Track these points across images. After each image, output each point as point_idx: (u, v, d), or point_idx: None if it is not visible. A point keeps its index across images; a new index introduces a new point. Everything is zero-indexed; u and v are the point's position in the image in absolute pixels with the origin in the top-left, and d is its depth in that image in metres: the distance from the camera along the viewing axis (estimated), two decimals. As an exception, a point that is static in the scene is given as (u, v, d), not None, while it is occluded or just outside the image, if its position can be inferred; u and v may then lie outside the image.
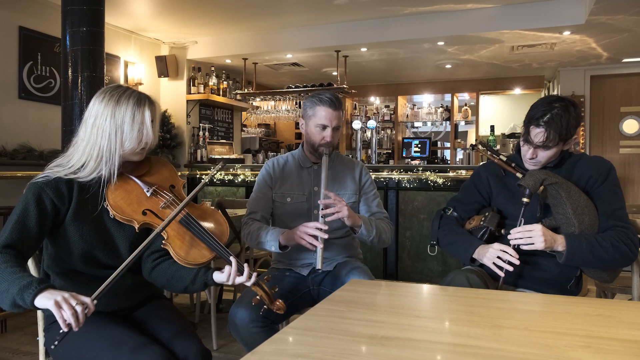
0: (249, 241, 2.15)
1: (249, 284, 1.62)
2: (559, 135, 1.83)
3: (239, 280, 1.60)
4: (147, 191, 1.68)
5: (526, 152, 1.93)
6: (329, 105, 2.18)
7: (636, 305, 1.55)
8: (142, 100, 1.62)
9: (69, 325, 1.30)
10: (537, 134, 1.85)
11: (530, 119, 1.88)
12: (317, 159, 2.28)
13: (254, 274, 1.63)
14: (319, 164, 2.28)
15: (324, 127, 2.18)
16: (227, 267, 1.60)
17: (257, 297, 1.68)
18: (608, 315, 1.33)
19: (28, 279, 1.37)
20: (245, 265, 1.62)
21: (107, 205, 1.62)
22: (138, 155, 1.67)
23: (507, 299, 1.57)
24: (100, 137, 1.58)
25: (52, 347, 1.38)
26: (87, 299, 1.36)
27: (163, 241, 1.60)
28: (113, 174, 1.62)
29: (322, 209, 2.00)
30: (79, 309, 1.32)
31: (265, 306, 1.70)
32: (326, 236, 1.95)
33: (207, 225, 1.68)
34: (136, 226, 1.62)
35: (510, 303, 1.53)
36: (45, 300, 1.33)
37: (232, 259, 1.60)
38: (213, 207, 1.78)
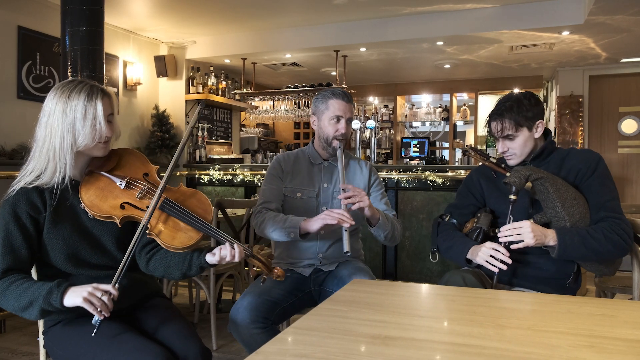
0: (261, 229, 2.11)
1: (237, 258, 1.59)
2: (514, 122, 1.92)
3: (231, 255, 1.59)
4: (121, 184, 1.65)
5: (498, 147, 2.01)
6: (342, 97, 2.22)
7: (638, 305, 1.55)
8: (94, 93, 1.56)
9: (101, 313, 1.42)
10: (494, 126, 1.97)
11: (489, 116, 2.01)
12: (329, 156, 2.29)
13: (241, 247, 1.62)
14: (329, 160, 2.30)
15: (339, 119, 2.21)
16: (217, 247, 1.60)
17: (255, 268, 1.68)
18: (611, 315, 1.33)
19: (46, 286, 1.45)
20: (227, 243, 1.61)
21: (84, 206, 1.59)
22: (101, 150, 1.62)
23: (509, 298, 1.57)
24: (53, 137, 1.54)
25: (93, 334, 1.45)
26: (108, 287, 1.45)
27: (147, 231, 1.58)
28: (67, 175, 1.56)
29: (344, 199, 1.98)
30: (105, 298, 1.43)
31: (264, 276, 1.70)
32: (352, 222, 1.93)
33: (189, 206, 1.66)
34: (117, 221, 1.59)
35: (512, 303, 1.53)
36: (73, 299, 1.43)
37: (220, 237, 1.61)
38: (192, 188, 1.76)
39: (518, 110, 1.92)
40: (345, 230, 1.93)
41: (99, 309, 1.41)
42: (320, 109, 2.25)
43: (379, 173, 4.52)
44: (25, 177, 1.57)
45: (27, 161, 1.60)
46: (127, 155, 1.75)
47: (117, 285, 1.47)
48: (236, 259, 1.59)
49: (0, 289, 1.49)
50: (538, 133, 1.97)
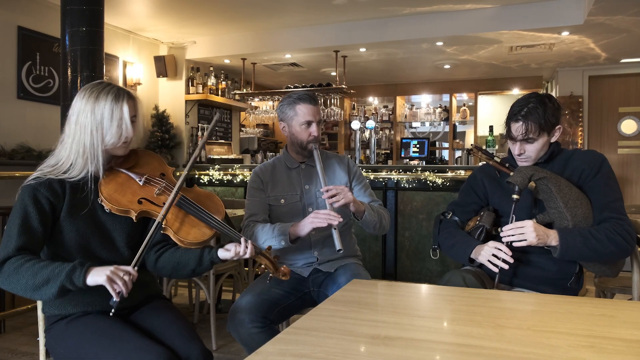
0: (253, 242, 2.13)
1: (248, 255, 1.66)
2: (538, 125, 1.88)
3: (244, 251, 1.66)
4: (140, 180, 1.72)
5: (514, 149, 1.96)
6: (309, 101, 2.21)
7: (638, 305, 1.55)
8: (121, 95, 1.65)
9: (119, 294, 1.45)
10: (518, 128, 1.90)
11: (510, 116, 1.94)
12: (304, 158, 2.30)
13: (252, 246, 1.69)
14: (305, 162, 2.30)
15: (309, 124, 2.20)
16: (230, 244, 1.66)
17: (262, 266, 1.73)
18: (610, 315, 1.33)
19: (68, 264, 1.46)
20: (241, 240, 1.67)
21: (102, 200, 1.64)
22: (122, 150, 1.70)
23: (509, 299, 1.58)
24: (83, 134, 1.62)
25: (110, 314, 1.48)
26: (129, 268, 1.50)
27: (163, 225, 1.65)
28: (99, 170, 1.65)
29: (327, 198, 1.99)
30: (127, 278, 1.47)
31: (270, 275, 1.74)
32: (340, 219, 1.94)
33: (203, 205, 1.73)
34: (134, 216, 1.65)
35: (512, 303, 1.53)
36: (96, 278, 1.45)
37: (233, 235, 1.66)
38: (205, 190, 1.84)
39: (543, 113, 1.87)
40: (334, 229, 1.95)
41: (118, 291, 1.44)
42: (289, 115, 2.23)
43: (379, 174, 4.55)
44: (53, 169, 1.63)
45: (55, 154, 1.67)
46: (145, 155, 1.84)
47: (136, 267, 1.51)
48: (247, 255, 1.66)
49: (13, 267, 1.46)
50: (554, 138, 1.96)
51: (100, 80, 1.72)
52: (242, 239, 1.67)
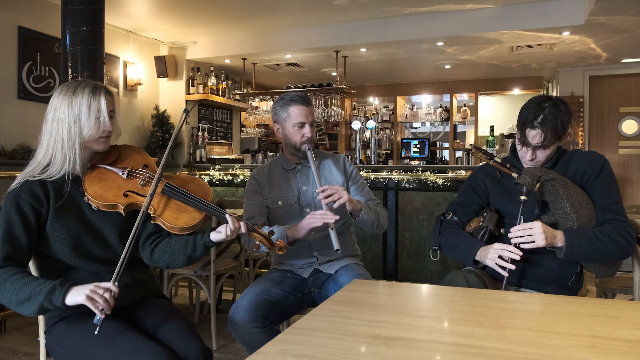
0: (250, 245, 2.11)
1: (244, 230, 1.67)
2: (555, 133, 1.86)
3: (234, 229, 1.65)
4: (123, 174, 1.72)
5: (525, 154, 1.94)
6: (302, 102, 2.21)
7: (639, 305, 1.55)
8: (98, 89, 1.65)
9: (103, 312, 1.43)
10: (535, 135, 1.87)
11: (525, 122, 1.90)
12: (300, 159, 2.30)
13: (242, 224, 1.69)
14: (301, 163, 2.30)
15: (302, 125, 2.20)
16: (221, 226, 1.65)
17: (257, 242, 1.73)
18: (612, 316, 1.33)
19: (49, 284, 1.46)
20: (230, 219, 1.65)
21: (88, 199, 1.64)
22: (101, 145, 1.69)
23: (510, 299, 1.57)
24: (60, 128, 1.62)
25: (96, 332, 1.45)
26: (109, 285, 1.47)
27: (152, 215, 1.65)
28: (77, 163, 1.63)
29: (323, 199, 1.99)
30: (107, 295, 1.44)
31: (267, 251, 1.74)
32: (337, 217, 1.94)
33: (189, 189, 1.73)
34: (122, 210, 1.65)
35: (513, 303, 1.53)
36: (76, 298, 1.44)
37: (222, 215, 1.66)
38: (189, 175, 1.83)
39: (561, 120, 1.84)
40: (332, 229, 1.94)
41: (100, 308, 1.42)
42: (282, 117, 2.23)
43: (379, 174, 4.55)
44: (32, 168, 1.63)
45: (35, 154, 1.66)
46: (126, 150, 1.84)
47: (116, 283, 1.49)
48: (241, 230, 1.65)
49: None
50: (562, 142, 1.95)
51: (77, 78, 1.73)
52: (231, 217, 1.65)
